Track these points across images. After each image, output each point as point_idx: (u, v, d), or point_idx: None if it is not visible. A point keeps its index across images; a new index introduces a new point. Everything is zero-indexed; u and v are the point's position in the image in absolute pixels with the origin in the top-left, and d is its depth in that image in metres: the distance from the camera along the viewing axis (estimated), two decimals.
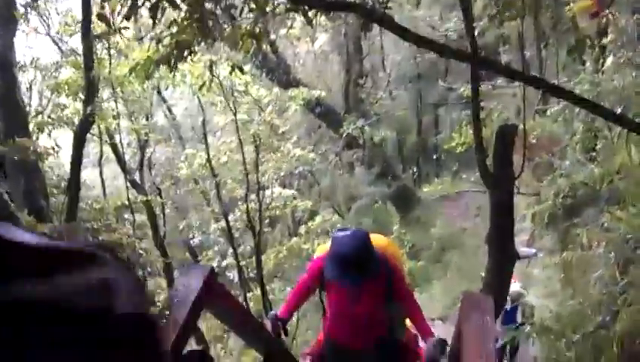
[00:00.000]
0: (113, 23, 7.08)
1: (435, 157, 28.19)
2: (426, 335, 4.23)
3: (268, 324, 4.26)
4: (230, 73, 10.17)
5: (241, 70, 6.04)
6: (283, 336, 4.36)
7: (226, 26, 5.04)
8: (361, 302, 4.33)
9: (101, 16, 7.04)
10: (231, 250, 16.76)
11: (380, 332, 4.62)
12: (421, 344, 5.25)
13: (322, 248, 4.75)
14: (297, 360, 5.24)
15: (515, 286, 10.06)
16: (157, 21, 4.86)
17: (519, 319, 9.74)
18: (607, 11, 9.13)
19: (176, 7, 4.83)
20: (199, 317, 3.37)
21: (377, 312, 4.48)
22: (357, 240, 4.07)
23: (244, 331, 4.25)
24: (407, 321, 4.93)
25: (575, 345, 6.72)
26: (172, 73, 5.63)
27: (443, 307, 15.41)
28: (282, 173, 18.61)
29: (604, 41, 10.78)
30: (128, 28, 6.66)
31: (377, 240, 4.59)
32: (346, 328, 4.59)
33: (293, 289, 4.68)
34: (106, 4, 6.46)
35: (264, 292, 15.18)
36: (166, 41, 5.03)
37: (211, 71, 7.12)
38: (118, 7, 5.75)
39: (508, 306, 9.87)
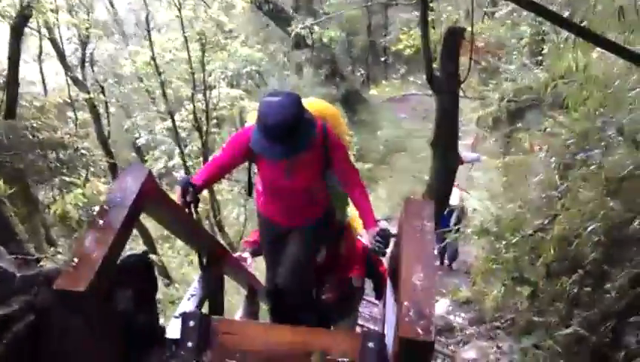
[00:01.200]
0: None
1: (383, 59, 28.06)
2: (368, 225, 3.84)
3: (178, 190, 3.70)
4: None
5: None
6: (194, 211, 3.80)
7: None
8: (295, 176, 3.90)
9: None
10: (178, 150, 16.57)
11: (318, 212, 4.28)
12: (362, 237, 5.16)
13: (254, 116, 3.88)
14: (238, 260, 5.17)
15: (454, 192, 10.28)
16: None
17: (452, 224, 10.00)
18: None
19: None
20: (137, 219, 3.31)
21: (314, 187, 4.09)
22: (286, 108, 3.45)
23: (184, 234, 4.20)
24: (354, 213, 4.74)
25: (514, 247, 6.90)
26: None
27: (388, 207, 15.68)
28: (229, 73, 18.30)
29: None
30: None
31: (315, 104, 4.05)
32: (279, 204, 4.24)
33: (213, 159, 4.06)
34: None
35: (212, 192, 15.17)
36: None
37: None
38: None
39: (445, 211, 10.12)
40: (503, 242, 7.11)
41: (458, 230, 8.85)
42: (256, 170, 4.17)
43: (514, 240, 6.86)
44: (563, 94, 7.44)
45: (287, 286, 4.31)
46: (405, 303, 2.58)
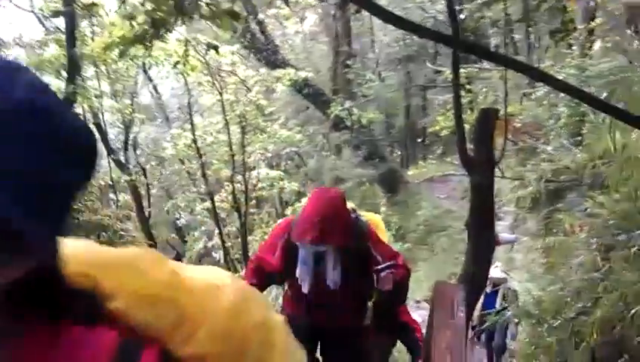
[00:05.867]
0: None
1: (420, 140, 28.22)
2: None
3: None
4: (206, 52, 10.09)
5: (216, 50, 5.89)
6: None
7: (203, 3, 4.91)
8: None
9: None
10: (217, 231, 16.68)
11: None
12: None
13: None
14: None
15: (496, 271, 9.96)
16: None
17: (498, 304, 9.66)
18: None
19: None
20: None
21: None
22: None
23: None
24: None
25: (555, 331, 6.70)
26: (148, 52, 5.50)
27: (428, 289, 15.38)
28: (269, 154, 18.54)
29: (592, 24, 10.73)
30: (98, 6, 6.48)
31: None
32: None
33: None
34: None
35: None
36: (140, 18, 4.90)
37: (186, 50, 6.96)
38: None
39: (488, 290, 9.77)
40: (545, 325, 6.91)
41: (499, 312, 8.62)
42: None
43: (555, 324, 6.66)
44: (603, 175, 7.36)
45: None
46: None
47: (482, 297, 9.42)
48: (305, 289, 3.87)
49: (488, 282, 9.57)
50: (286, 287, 4.23)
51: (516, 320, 8.66)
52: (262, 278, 3.97)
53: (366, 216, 4.16)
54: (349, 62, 22.66)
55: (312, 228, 3.53)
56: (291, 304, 4.20)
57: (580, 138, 10.36)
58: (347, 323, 4.06)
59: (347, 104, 20.36)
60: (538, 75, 5.39)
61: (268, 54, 20.38)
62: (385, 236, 4.31)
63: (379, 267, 3.73)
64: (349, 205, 4.01)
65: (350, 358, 4.19)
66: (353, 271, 3.83)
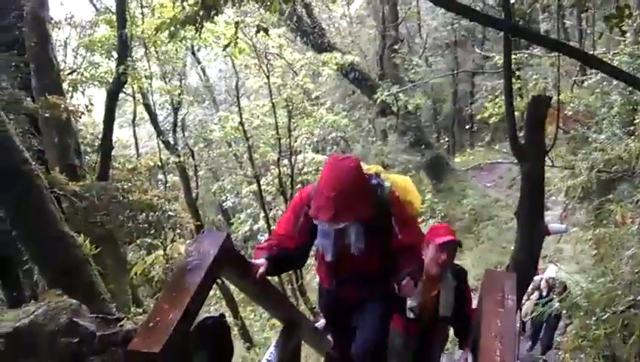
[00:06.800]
0: None
1: (468, 126, 27.91)
2: None
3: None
4: (255, 34, 10.10)
5: (266, 32, 5.88)
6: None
7: None
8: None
9: None
10: (263, 214, 16.77)
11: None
12: None
13: None
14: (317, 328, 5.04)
15: (552, 271, 9.65)
16: None
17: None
18: None
19: None
20: (213, 283, 3.32)
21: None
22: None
23: (262, 299, 4.18)
24: None
25: (605, 323, 6.60)
26: (198, 33, 5.52)
27: (474, 278, 15.26)
28: (315, 138, 18.56)
29: None
30: None
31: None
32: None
33: None
34: None
35: None
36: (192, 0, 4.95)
37: (236, 32, 6.96)
38: None
39: (544, 292, 9.54)
40: (594, 318, 6.81)
41: (547, 303, 8.49)
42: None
43: (605, 317, 6.55)
44: None
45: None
46: None
47: (537, 295, 9.28)
48: (329, 258, 3.82)
49: (544, 284, 9.42)
50: (317, 260, 4.13)
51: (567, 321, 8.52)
52: (275, 251, 3.76)
53: (391, 178, 4.00)
54: (395, 46, 22.47)
55: (327, 207, 3.43)
56: (323, 277, 4.17)
57: (633, 127, 10.12)
58: (377, 290, 3.98)
59: (394, 89, 20.20)
60: (592, 62, 5.27)
61: (314, 38, 20.31)
62: (417, 199, 4.16)
63: (398, 277, 3.68)
64: (374, 169, 3.93)
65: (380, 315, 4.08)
66: (378, 238, 3.75)
